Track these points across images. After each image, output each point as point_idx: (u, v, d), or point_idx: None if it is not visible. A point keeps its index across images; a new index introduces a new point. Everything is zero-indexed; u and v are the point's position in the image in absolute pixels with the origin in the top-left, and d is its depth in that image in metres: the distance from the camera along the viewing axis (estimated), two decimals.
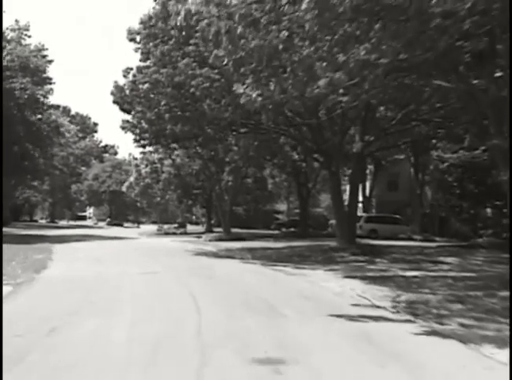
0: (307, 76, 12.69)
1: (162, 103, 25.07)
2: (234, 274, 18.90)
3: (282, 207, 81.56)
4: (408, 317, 11.04)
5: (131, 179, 59.95)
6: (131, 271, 18.97)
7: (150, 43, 26.43)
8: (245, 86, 13.56)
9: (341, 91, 13.70)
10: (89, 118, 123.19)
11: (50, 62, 44.56)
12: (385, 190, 58.31)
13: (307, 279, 17.65)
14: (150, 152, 56.70)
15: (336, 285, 16.11)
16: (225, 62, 19.68)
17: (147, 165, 56.68)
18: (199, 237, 46.12)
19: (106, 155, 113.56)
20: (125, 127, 28.52)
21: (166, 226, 70.28)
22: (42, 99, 44.83)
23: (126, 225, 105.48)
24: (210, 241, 42.82)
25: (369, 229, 44.69)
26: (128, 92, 27.35)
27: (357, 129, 30.47)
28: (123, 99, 27.64)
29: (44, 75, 44.07)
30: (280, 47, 13.29)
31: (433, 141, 39.91)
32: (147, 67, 26.32)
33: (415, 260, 24.36)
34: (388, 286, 15.38)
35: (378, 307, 12.18)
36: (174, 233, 55.68)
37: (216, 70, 23.72)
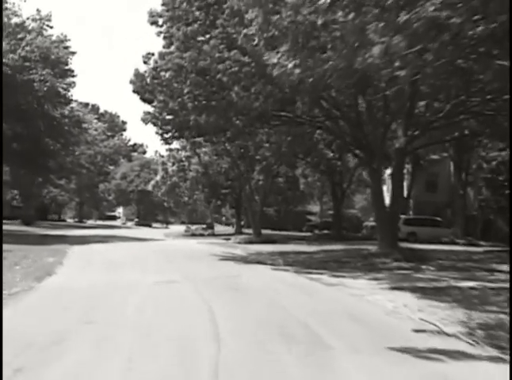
0: (357, 41, 10.03)
1: (185, 91, 22.58)
2: (264, 285, 16.26)
3: (314, 208, 78.85)
4: (493, 351, 8.34)
5: (158, 177, 57.66)
6: (147, 279, 16.49)
7: (174, 28, 23.95)
8: (279, 55, 10.90)
9: (397, 64, 11.03)
10: (118, 116, 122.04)
11: (72, 53, 42.47)
12: (423, 191, 55.36)
13: (349, 292, 15.01)
14: (177, 150, 54.52)
15: (385, 299, 13.52)
16: (256, 42, 17.28)
17: (173, 164, 54.39)
18: (227, 239, 43.66)
19: (135, 154, 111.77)
20: (146, 118, 26.09)
21: (193, 227, 68.02)
22: (63, 92, 42.66)
23: (154, 225, 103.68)
24: (239, 243, 40.36)
25: (408, 231, 41.81)
26: (148, 80, 24.93)
27: (399, 122, 27.69)
28: (143, 88, 25.21)
29: (66, 67, 41.90)
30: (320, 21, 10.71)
31: (479, 138, 36.80)
32: (170, 53, 23.82)
33: (466, 268, 21.79)
34: (446, 302, 12.87)
35: (448, 335, 9.46)
36: (202, 235, 53.30)
37: (246, 55, 21.20)
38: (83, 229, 71.04)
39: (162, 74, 24.48)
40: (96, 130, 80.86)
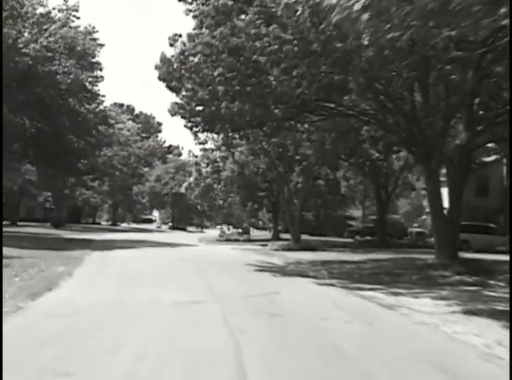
0: None
1: (216, 74, 19.44)
2: (309, 308, 12.98)
3: (355, 212, 75.40)
4: None
5: (191, 179, 54.67)
6: (165, 298, 13.38)
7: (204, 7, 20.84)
8: None
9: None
10: (153, 117, 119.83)
11: (101, 45, 39.65)
12: (473, 195, 51.37)
13: (417, 318, 11.81)
14: (212, 150, 51.61)
15: (468, 331, 10.49)
16: (299, 12, 14.22)
17: (208, 164, 51.42)
18: (264, 246, 40.46)
19: (170, 156, 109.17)
20: (173, 109, 23.07)
21: (228, 232, 65.15)
22: (90, 86, 39.94)
23: (189, 229, 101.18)
24: (276, 250, 37.18)
25: (460, 240, 38.04)
26: (175, 65, 21.90)
27: (460, 116, 24.23)
28: (170, 74, 22.18)
29: (93, 60, 39.15)
30: None
31: None
32: (200, 34, 20.75)
33: None
34: None
35: None
36: (237, 240, 50.14)
37: (287, 31, 18.01)
38: (115, 232, 68.59)
39: (191, 59, 21.45)
40: (129, 130, 78.54)
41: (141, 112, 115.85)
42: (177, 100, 23.72)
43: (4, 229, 53.72)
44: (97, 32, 39.49)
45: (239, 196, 50.89)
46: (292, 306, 13.01)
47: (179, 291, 14.79)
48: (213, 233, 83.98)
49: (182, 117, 23.08)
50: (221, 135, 51.27)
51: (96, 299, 12.94)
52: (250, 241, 50.31)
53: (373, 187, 48.94)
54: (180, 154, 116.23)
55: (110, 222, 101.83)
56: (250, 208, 55.87)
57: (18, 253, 25.54)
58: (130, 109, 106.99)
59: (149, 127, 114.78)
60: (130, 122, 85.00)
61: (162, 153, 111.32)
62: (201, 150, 51.17)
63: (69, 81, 35.45)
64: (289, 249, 37.10)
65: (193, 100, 21.70)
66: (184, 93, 22.11)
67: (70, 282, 16.32)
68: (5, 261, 20.61)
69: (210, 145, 51.43)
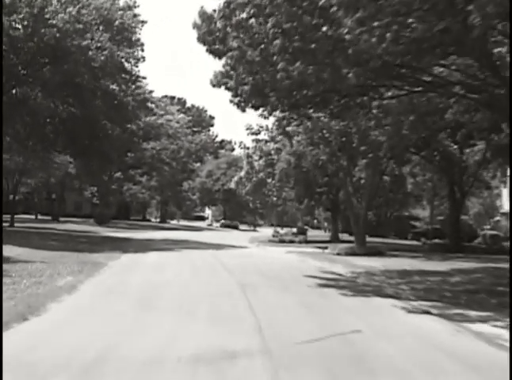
0: None
1: (270, 24, 14.51)
2: (412, 367, 7.95)
3: (419, 212, 69.50)
4: None
5: (242, 173, 49.71)
6: (183, 343, 8.61)
7: None
8: None
9: None
10: (206, 110, 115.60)
11: (142, 22, 35.10)
12: None
13: None
14: (265, 141, 46.73)
15: None
16: None
17: (260, 157, 46.51)
18: (323, 249, 35.37)
19: (222, 151, 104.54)
20: (216, 78, 18.23)
21: (282, 231, 60.25)
22: (127, 65, 35.39)
23: (241, 227, 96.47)
24: (338, 254, 32.18)
25: None
26: (219, 23, 17.10)
27: None
28: (212, 34, 17.39)
29: (134, 38, 34.62)
30: None
31: None
32: None
33: None
34: None
35: None
36: (292, 242, 45.02)
37: None
38: (160, 230, 64.47)
39: (238, 13, 16.59)
40: (178, 122, 74.39)
41: (193, 105, 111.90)
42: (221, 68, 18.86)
43: (40, 225, 50.52)
44: (138, 6, 34.85)
45: (295, 192, 45.62)
46: (385, 364, 7.98)
47: (207, 328, 9.89)
48: (266, 232, 79.14)
49: (227, 89, 18.15)
50: (274, 119, 46.83)
51: (73, 346, 8.21)
52: (306, 242, 45.22)
53: (445, 184, 43.24)
54: (232, 149, 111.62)
55: (158, 220, 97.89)
56: (307, 205, 50.49)
57: (31, 255, 21.52)
58: (181, 102, 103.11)
59: (201, 120, 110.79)
60: (181, 115, 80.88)
61: (214, 148, 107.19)
62: (253, 140, 46.31)
63: (103, 58, 30.98)
64: (353, 254, 32.08)
65: (241, 64, 16.79)
66: (230, 53, 17.17)
67: (62, 304, 11.76)
68: (6, 267, 16.46)
69: (263, 136, 46.82)
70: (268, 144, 46.59)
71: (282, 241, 45.15)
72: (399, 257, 31.22)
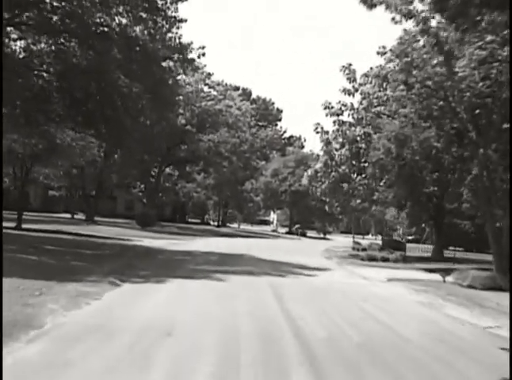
0: None
1: None
2: None
3: None
4: None
5: (318, 165, 37.24)
6: None
7: None
8: None
9: None
10: (273, 103, 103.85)
11: None
12: None
13: None
14: (350, 124, 34.90)
15: None
16: None
17: (342, 145, 34.68)
18: (443, 276, 23.21)
19: (290, 148, 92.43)
20: None
21: (364, 242, 48.46)
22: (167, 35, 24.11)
23: (309, 234, 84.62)
24: (470, 287, 20.54)
25: None
26: None
27: None
28: None
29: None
30: None
31: None
32: None
33: None
34: None
35: None
36: (385, 259, 32.73)
37: None
38: (215, 236, 53.38)
39: None
40: (239, 108, 63.09)
41: (258, 97, 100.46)
42: None
43: (62, 227, 40.27)
44: None
45: (394, 192, 32.59)
46: None
47: None
48: (340, 241, 67.16)
49: None
50: (365, 101, 35.32)
51: None
52: (405, 260, 32.94)
53: None
54: (302, 147, 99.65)
55: (216, 223, 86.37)
56: (410, 211, 37.26)
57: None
58: (247, 93, 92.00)
59: (267, 114, 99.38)
60: (244, 102, 69.57)
61: (281, 144, 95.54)
62: (334, 123, 34.38)
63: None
64: (495, 288, 20.17)
65: None
66: None
67: None
68: None
69: (348, 117, 35.05)
70: (354, 128, 34.73)
71: (372, 259, 32.89)
72: None
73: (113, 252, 25.00)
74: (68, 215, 61.34)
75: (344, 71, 34.22)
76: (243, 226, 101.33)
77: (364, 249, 43.82)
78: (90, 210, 55.34)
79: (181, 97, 46.78)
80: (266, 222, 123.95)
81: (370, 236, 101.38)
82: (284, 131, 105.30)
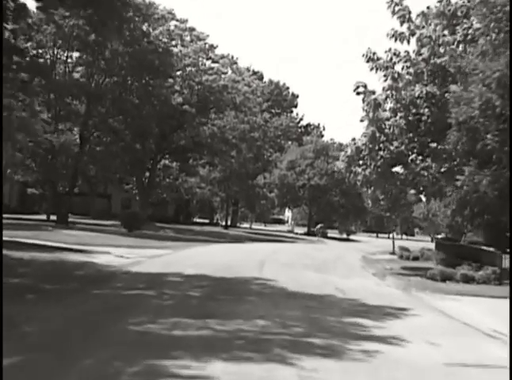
0: None
1: None
2: None
3: None
4: None
5: (360, 142, 25.30)
6: None
7: None
8: None
9: None
10: (287, 87, 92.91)
11: None
12: None
13: None
14: (406, 84, 24.37)
15: None
16: None
17: (395, 112, 23.76)
18: None
19: (307, 138, 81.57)
20: None
21: (406, 245, 38.18)
22: None
23: (330, 234, 73.98)
24: None
25: None
26: None
27: None
28: None
29: None
30: None
31: None
32: None
33: None
34: None
35: None
36: (468, 279, 21.13)
37: None
38: (216, 243, 42.26)
39: None
40: (249, 85, 52.18)
41: (271, 81, 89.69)
42: None
43: (15, 234, 29.74)
44: None
45: (492, 174, 21.28)
46: None
47: None
48: (372, 243, 56.77)
49: None
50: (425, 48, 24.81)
51: None
52: (499, 281, 21.60)
53: None
54: (321, 136, 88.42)
55: (223, 223, 75.12)
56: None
57: None
58: (258, 76, 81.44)
59: (281, 99, 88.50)
60: (254, 80, 58.72)
61: (298, 133, 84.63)
62: (386, 77, 23.52)
63: None
64: None
65: None
66: None
67: None
68: None
69: (399, 70, 24.87)
70: (412, 89, 24.24)
71: (447, 278, 21.68)
72: None
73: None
74: (44, 217, 51.27)
75: (393, 8, 24.53)
76: (256, 226, 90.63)
77: (416, 258, 33.24)
78: (61, 211, 44.12)
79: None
80: (281, 221, 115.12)
81: (396, 235, 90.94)
82: (301, 119, 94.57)
